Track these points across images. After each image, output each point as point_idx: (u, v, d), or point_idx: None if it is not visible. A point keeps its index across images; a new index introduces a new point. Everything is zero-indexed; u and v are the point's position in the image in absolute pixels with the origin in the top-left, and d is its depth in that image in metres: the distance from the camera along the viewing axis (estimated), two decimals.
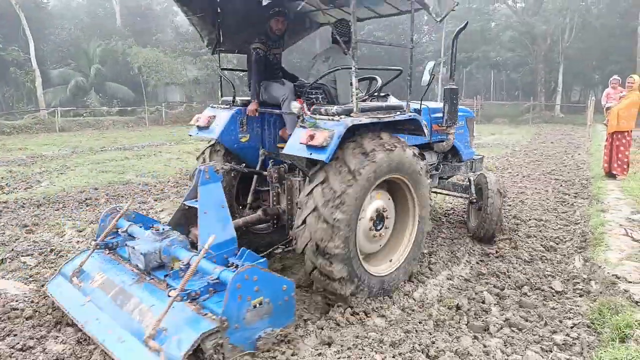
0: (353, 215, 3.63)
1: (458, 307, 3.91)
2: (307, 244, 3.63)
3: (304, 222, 3.65)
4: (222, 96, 5.08)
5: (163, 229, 3.70)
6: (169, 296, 3.01)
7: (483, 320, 3.71)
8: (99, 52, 32.58)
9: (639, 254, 4.74)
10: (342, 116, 3.69)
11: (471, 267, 4.95)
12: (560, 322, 3.65)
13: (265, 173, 4.60)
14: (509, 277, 4.56)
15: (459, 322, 3.69)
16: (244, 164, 4.73)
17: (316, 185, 3.64)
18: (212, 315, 2.96)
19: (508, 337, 3.44)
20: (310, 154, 3.60)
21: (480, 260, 5.13)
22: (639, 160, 11.96)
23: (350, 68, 3.78)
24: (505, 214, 6.75)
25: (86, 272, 3.74)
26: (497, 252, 5.29)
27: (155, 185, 9.35)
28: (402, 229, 4.36)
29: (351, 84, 3.89)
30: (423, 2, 4.19)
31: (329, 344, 3.29)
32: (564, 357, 3.12)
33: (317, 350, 3.22)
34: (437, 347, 3.22)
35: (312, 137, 3.58)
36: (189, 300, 3.06)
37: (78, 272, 3.73)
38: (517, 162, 12.60)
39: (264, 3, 4.05)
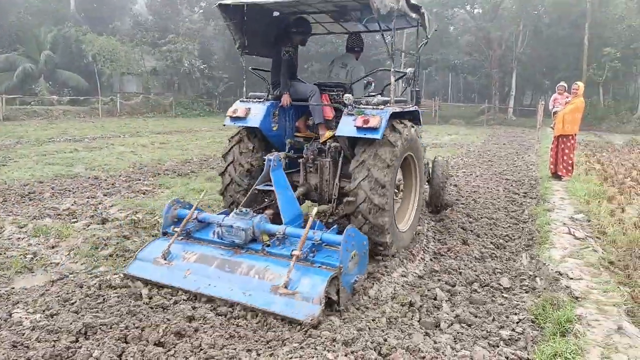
0: (394, 179, 4.72)
1: (411, 304, 3.97)
2: (361, 203, 4.56)
3: (357, 186, 4.58)
4: (247, 92, 5.79)
5: (242, 211, 4.40)
6: (292, 255, 3.89)
7: (434, 317, 3.78)
8: (50, 38, 31.10)
9: (580, 251, 4.99)
10: (382, 107, 4.72)
11: (425, 264, 5.04)
12: (507, 317, 3.77)
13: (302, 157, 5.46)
14: (460, 274, 4.67)
15: (412, 319, 3.75)
16: (292, 151, 5.55)
17: (368, 157, 4.60)
18: (324, 266, 3.90)
19: (458, 333, 3.52)
20: (365, 134, 4.56)
21: (434, 258, 5.24)
22: (583, 163, 12.59)
23: (389, 70, 5.00)
24: (459, 211, 7.04)
25: (172, 254, 4.37)
26: (449, 249, 5.42)
27: (105, 180, 9.01)
28: (408, 196, 5.58)
29: (389, 84, 5.24)
30: (424, 23, 5.57)
31: (283, 343, 3.27)
32: (509, 351, 3.22)
33: (270, 349, 3.19)
34: (389, 344, 3.25)
35: (367, 121, 4.54)
36: (301, 259, 3.93)
37: (165, 254, 4.33)
38: (471, 162, 12.98)
39: (274, 14, 5.43)
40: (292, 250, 3.97)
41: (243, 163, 5.30)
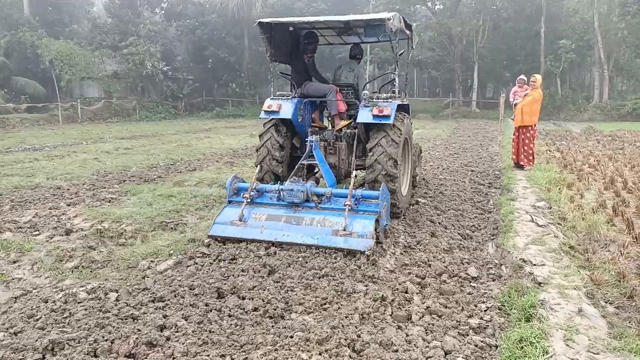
0: (400, 154, 6.16)
1: (383, 299, 4.02)
2: (379, 170, 5.96)
3: (376, 160, 5.99)
4: (275, 92, 7.09)
5: (295, 179, 5.80)
6: (345, 206, 5.25)
7: (406, 310, 3.85)
8: (4, 43, 29.88)
9: (542, 238, 5.17)
10: (391, 99, 6.26)
11: (396, 258, 5.11)
12: (475, 306, 3.87)
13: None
14: (430, 266, 4.76)
15: (384, 313, 3.80)
16: (318, 136, 6.65)
17: (382, 137, 6.01)
18: (367, 213, 5.27)
19: (429, 324, 3.59)
20: (380, 120, 5.96)
21: (405, 251, 5.32)
22: (544, 152, 13.02)
23: (392, 75, 6.81)
24: (427, 204, 7.21)
25: (245, 216, 5.55)
26: (419, 242, 5.51)
27: (68, 189, 8.74)
28: (405, 170, 7.07)
29: (394, 83, 6.72)
30: (412, 40, 7.29)
31: (257, 347, 3.26)
32: (478, 339, 3.32)
33: (244, 353, 3.18)
34: (363, 340, 3.29)
35: (381, 111, 5.95)
36: (348, 209, 5.23)
37: (241, 217, 5.52)
38: (438, 155, 13.23)
39: (290, 28, 6.97)
40: (345, 202, 5.30)
41: (276, 142, 6.61)
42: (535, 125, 10.18)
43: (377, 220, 5.16)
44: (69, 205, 7.50)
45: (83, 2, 42.18)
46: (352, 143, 6.67)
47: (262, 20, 6.47)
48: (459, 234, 5.83)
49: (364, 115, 6.09)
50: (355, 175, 5.82)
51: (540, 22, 34.26)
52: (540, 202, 6.95)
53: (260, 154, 6.66)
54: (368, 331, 3.45)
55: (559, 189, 7.86)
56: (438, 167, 10.97)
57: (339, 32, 7.58)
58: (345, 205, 5.27)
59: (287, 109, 6.54)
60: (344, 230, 5.07)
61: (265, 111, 6.66)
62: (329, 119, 7.27)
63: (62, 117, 27.56)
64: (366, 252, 4.82)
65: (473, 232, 5.98)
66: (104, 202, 7.72)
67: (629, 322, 3.43)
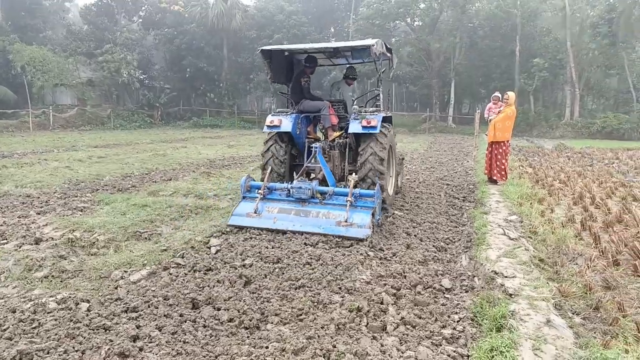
0: (387, 155, 7.14)
1: (359, 309, 4.05)
2: (369, 170, 6.94)
3: (366, 160, 6.97)
4: (276, 108, 8.04)
5: (301, 179, 6.91)
6: (346, 202, 6.24)
7: (381, 320, 3.88)
8: None
9: (513, 250, 5.29)
10: (377, 112, 7.22)
11: (372, 269, 5.14)
12: (449, 317, 3.93)
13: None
14: (405, 278, 4.81)
15: (360, 324, 3.83)
16: (312, 145, 7.41)
17: (371, 143, 6.98)
18: (364, 208, 6.21)
19: (403, 334, 3.63)
20: (369, 130, 6.87)
21: (381, 263, 5.36)
22: (517, 167, 13.34)
23: (376, 92, 8.15)
24: (403, 217, 7.31)
25: (258, 209, 6.48)
26: (394, 254, 5.57)
27: (38, 197, 8.54)
28: (390, 173, 7.91)
29: (376, 99, 8.16)
30: (393, 60, 8.29)
31: (232, 358, 3.24)
32: (451, 349, 3.37)
33: None
34: (338, 350, 3.31)
35: (369, 122, 6.86)
36: (349, 205, 6.22)
37: (255, 210, 6.48)
38: (415, 169, 13.42)
39: (285, 53, 7.79)
40: (346, 199, 6.29)
41: (278, 152, 7.52)
42: (508, 141, 10.42)
43: (372, 214, 6.12)
44: (38, 214, 7.33)
45: (58, 8, 41.57)
46: (344, 151, 7.76)
47: (263, 48, 7.42)
48: (433, 246, 5.92)
49: (355, 127, 7.02)
50: (353, 177, 6.71)
51: (515, 40, 35.29)
52: (512, 216, 7.12)
53: (265, 157, 7.59)
54: (343, 341, 3.47)
55: (531, 203, 8.07)
56: (414, 181, 11.13)
57: (329, 56, 8.56)
58: (346, 201, 6.26)
59: (287, 124, 7.39)
60: (346, 221, 6.04)
61: (268, 126, 7.45)
62: (323, 131, 8.16)
63: (33, 124, 26.96)
64: (365, 239, 5.84)
65: (447, 244, 6.08)
66: (75, 211, 7.57)
67: (594, 333, 3.54)
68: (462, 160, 16.33)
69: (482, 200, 8.50)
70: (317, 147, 7.09)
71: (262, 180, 7.08)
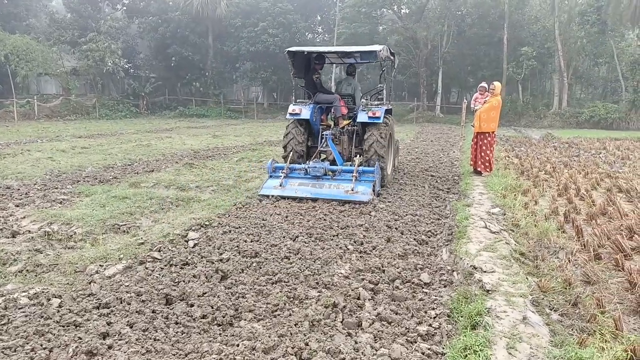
0: (387, 142, 8.76)
1: (335, 305, 3.99)
2: (373, 153, 8.43)
3: (371, 145, 8.45)
4: (296, 99, 9.53)
5: (315, 160, 8.42)
6: (353, 177, 7.85)
7: (357, 317, 3.83)
8: None
9: (494, 244, 5.26)
10: (381, 105, 8.85)
11: (351, 263, 5.09)
12: (425, 312, 3.88)
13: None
14: (384, 272, 4.75)
15: (335, 320, 3.77)
16: (324, 132, 9.02)
17: (375, 130, 8.50)
18: (366, 181, 7.90)
19: (378, 331, 3.58)
20: (373, 120, 8.46)
21: (360, 257, 5.31)
22: (503, 158, 13.35)
23: (380, 88, 9.72)
24: (385, 209, 7.26)
25: (283, 184, 8.07)
26: (374, 248, 5.52)
27: (18, 189, 8.38)
28: (389, 157, 9.49)
29: (379, 92, 9.80)
30: (394, 60, 10.00)
31: (202, 356, 3.18)
32: (425, 347, 3.32)
33: None
34: (310, 348, 3.25)
35: (374, 113, 8.44)
36: (355, 179, 7.85)
37: (281, 184, 8.07)
38: (401, 159, 13.35)
39: (305, 52, 8.93)
40: (351, 175, 7.92)
41: (297, 135, 8.89)
42: (493, 132, 10.37)
43: (373, 186, 7.85)
44: (17, 206, 7.19)
45: None
46: (352, 137, 9.21)
47: (289, 49, 8.75)
48: (414, 239, 5.85)
49: (362, 117, 8.59)
50: (358, 158, 8.35)
51: (503, 29, 35.17)
52: (495, 208, 7.09)
53: (287, 137, 8.96)
54: (317, 339, 3.41)
55: (515, 195, 8.05)
56: (399, 172, 11.07)
57: (341, 56, 10.09)
58: (352, 176, 7.88)
59: (306, 112, 8.85)
60: (352, 190, 7.72)
61: (290, 114, 8.93)
62: (334, 119, 9.42)
63: (17, 114, 26.49)
64: (369, 201, 7.49)
65: (429, 237, 6.02)
66: (55, 204, 7.44)
67: (571, 330, 3.52)
68: (449, 150, 16.31)
69: (466, 192, 8.47)
70: (327, 135, 8.72)
71: (285, 157, 8.82)
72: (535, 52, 33.66)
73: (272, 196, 7.86)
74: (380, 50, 8.44)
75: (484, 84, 11.41)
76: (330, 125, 9.39)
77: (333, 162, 8.69)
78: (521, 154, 14.84)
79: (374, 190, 7.81)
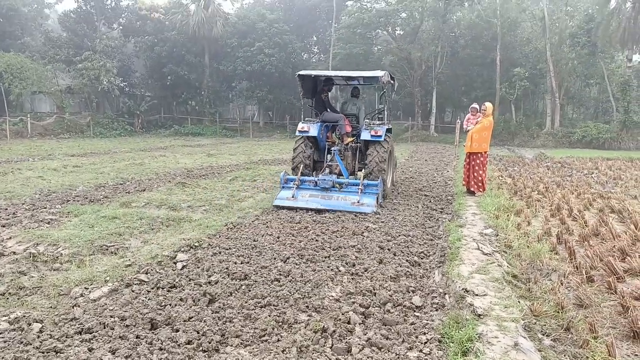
0: (387, 158, 9.53)
1: (324, 330, 3.90)
2: (375, 167, 9.26)
3: (372, 159, 9.29)
4: (304, 118, 10.29)
5: (325, 173, 9.35)
6: (359, 190, 8.76)
7: (346, 342, 3.73)
8: None
9: (486, 266, 5.19)
10: (382, 125, 9.64)
11: (342, 286, 5.00)
12: (416, 337, 3.78)
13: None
14: (375, 295, 4.66)
15: (324, 346, 3.67)
16: (331, 148, 9.97)
17: (377, 147, 9.37)
18: (371, 194, 8.83)
19: (368, 357, 3.48)
20: (375, 138, 9.29)
21: (352, 279, 5.22)
22: (496, 177, 13.35)
23: (381, 108, 10.78)
24: (378, 230, 7.18)
25: (295, 195, 8.85)
26: (366, 270, 5.44)
27: (6, 209, 8.25)
28: (389, 172, 10.25)
29: (380, 113, 10.66)
30: (394, 84, 11.11)
31: None
32: None
33: None
34: None
35: (376, 132, 9.26)
36: (360, 192, 8.75)
37: (293, 195, 8.87)
38: (396, 178, 13.31)
39: (312, 75, 9.92)
40: (358, 187, 8.77)
41: (306, 150, 9.72)
42: (485, 152, 10.39)
43: (377, 199, 8.71)
44: (3, 227, 7.08)
45: (36, 15, 41.03)
46: (356, 153, 10.10)
47: (299, 72, 9.67)
48: (407, 260, 5.76)
49: (365, 135, 9.45)
50: (362, 172, 9.29)
51: (496, 50, 35.70)
52: (488, 229, 7.04)
53: (296, 151, 9.79)
54: None
55: (507, 215, 8.01)
56: (393, 192, 11.03)
57: (346, 80, 10.86)
58: (358, 189, 8.74)
59: (313, 130, 9.71)
60: (358, 202, 8.53)
61: (299, 131, 9.80)
62: (339, 136, 10.11)
63: (10, 132, 26.37)
64: (372, 212, 8.23)
65: (422, 259, 5.93)
66: (42, 224, 7.32)
67: (564, 356, 3.44)
68: (442, 170, 16.32)
69: (459, 213, 8.43)
70: (335, 150, 9.67)
71: (294, 170, 9.66)
72: (527, 73, 34.10)
73: (285, 207, 8.67)
74: (383, 76, 9.31)
75: (475, 105, 11.49)
76: (336, 141, 10.11)
77: (339, 176, 9.54)
78: (514, 173, 14.86)
79: (377, 202, 8.65)
